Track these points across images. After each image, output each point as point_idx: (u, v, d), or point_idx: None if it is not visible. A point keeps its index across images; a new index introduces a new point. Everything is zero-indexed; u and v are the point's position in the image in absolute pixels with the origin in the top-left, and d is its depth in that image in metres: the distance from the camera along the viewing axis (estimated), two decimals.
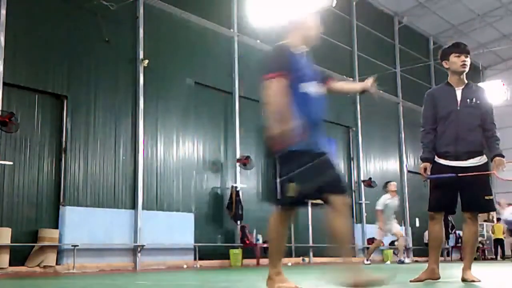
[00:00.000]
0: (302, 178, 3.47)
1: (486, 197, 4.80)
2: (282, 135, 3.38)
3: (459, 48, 4.95)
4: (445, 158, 4.79)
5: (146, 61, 11.91)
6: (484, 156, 4.86)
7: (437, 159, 4.88)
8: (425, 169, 4.90)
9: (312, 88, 3.62)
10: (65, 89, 10.69)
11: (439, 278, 4.91)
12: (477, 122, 4.85)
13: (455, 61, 4.92)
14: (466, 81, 4.99)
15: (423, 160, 4.97)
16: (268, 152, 3.65)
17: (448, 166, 4.79)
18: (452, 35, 22.79)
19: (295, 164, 3.49)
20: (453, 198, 4.86)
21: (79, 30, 11.10)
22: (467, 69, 4.96)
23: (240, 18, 14.52)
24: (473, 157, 4.79)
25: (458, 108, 4.85)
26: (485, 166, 4.85)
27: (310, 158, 3.50)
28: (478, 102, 4.88)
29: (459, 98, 4.90)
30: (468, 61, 4.95)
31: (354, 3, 19.10)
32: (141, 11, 12.13)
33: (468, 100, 4.87)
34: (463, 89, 4.93)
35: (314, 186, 3.52)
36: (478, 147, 4.85)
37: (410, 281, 4.91)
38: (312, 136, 3.53)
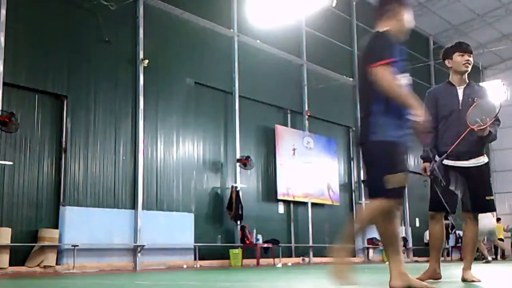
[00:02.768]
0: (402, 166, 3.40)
1: (487, 198, 4.80)
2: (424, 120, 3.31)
3: (463, 47, 4.94)
4: (446, 157, 4.78)
5: (146, 61, 11.91)
6: (485, 156, 4.86)
7: (438, 159, 4.87)
8: (425, 169, 4.90)
9: (405, 80, 3.51)
10: (65, 89, 10.69)
11: (440, 278, 4.91)
12: None
13: (458, 60, 4.91)
14: (467, 81, 4.99)
15: (424, 159, 4.97)
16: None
17: (450, 166, 4.78)
18: (452, 35, 22.80)
19: (401, 156, 3.41)
20: (454, 198, 4.85)
21: (79, 30, 11.11)
22: (469, 69, 4.95)
23: (240, 18, 14.53)
24: (474, 157, 4.79)
25: (460, 107, 4.84)
26: (486, 166, 4.85)
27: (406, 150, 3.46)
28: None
29: (460, 97, 4.89)
30: (471, 60, 4.95)
31: (354, 3, 19.11)
32: (141, 11, 12.13)
33: (469, 100, 4.86)
34: (464, 88, 4.92)
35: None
36: (480, 146, 4.85)
37: None
38: (408, 130, 3.44)
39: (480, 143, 4.85)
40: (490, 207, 4.88)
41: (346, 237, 3.45)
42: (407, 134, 3.43)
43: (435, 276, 4.89)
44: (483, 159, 4.83)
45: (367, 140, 3.44)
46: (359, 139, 3.52)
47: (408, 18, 3.75)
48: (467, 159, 4.77)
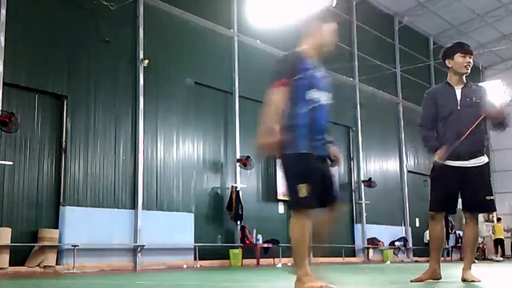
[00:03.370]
0: (310, 179, 3.52)
1: (488, 198, 4.80)
2: (275, 141, 3.53)
3: (465, 49, 4.94)
4: (447, 158, 4.78)
5: (146, 61, 11.91)
6: (485, 156, 4.85)
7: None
8: (440, 157, 4.77)
9: (318, 95, 3.68)
10: (65, 89, 10.68)
11: (440, 278, 4.91)
12: (480, 120, 4.85)
13: (460, 61, 4.90)
14: (465, 81, 4.99)
15: (433, 149, 4.86)
16: (269, 155, 3.78)
17: (450, 166, 4.78)
18: (452, 35, 22.80)
19: (300, 166, 3.56)
20: (454, 198, 4.85)
21: (79, 30, 11.10)
22: (469, 71, 4.95)
23: (240, 18, 14.52)
24: (475, 157, 4.78)
25: (459, 107, 4.84)
26: (487, 166, 4.84)
27: (314, 161, 3.59)
28: (478, 101, 4.86)
29: (459, 97, 4.88)
30: (472, 62, 4.94)
31: (354, 3, 19.10)
32: (141, 11, 12.12)
33: (468, 99, 4.86)
34: (462, 88, 4.92)
35: (318, 188, 3.56)
36: (480, 146, 4.84)
37: (411, 281, 4.91)
38: (316, 142, 3.62)
39: (480, 143, 4.85)
40: (490, 207, 4.88)
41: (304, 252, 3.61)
42: (317, 146, 3.62)
43: (435, 276, 4.89)
44: (483, 159, 4.82)
45: (283, 153, 3.60)
46: (278, 153, 3.64)
47: (326, 34, 3.86)
48: (467, 159, 4.76)
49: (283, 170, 3.64)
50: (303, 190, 3.47)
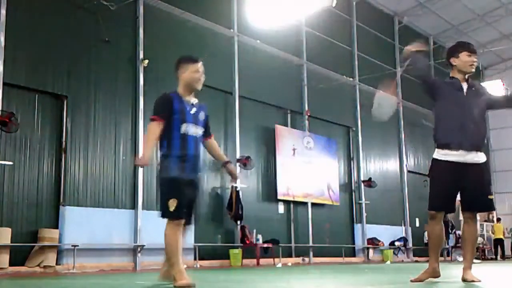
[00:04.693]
0: (179, 197, 4.37)
1: (489, 197, 4.80)
2: (146, 160, 4.45)
3: (471, 48, 4.95)
4: (449, 148, 4.74)
5: (146, 61, 11.91)
6: (484, 154, 4.85)
7: (438, 155, 4.85)
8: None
9: (189, 129, 4.48)
10: (65, 89, 10.69)
11: (439, 276, 4.91)
12: (482, 115, 4.86)
13: (466, 59, 4.89)
14: (468, 80, 5.00)
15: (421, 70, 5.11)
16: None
17: (449, 162, 4.76)
18: (452, 35, 22.80)
19: (171, 187, 4.40)
20: (454, 197, 4.85)
21: (79, 30, 11.10)
22: (474, 71, 4.96)
23: (240, 18, 14.52)
24: (476, 151, 4.75)
25: (465, 98, 4.84)
26: (485, 165, 4.84)
27: (182, 183, 4.41)
28: (482, 97, 4.89)
29: (465, 89, 4.90)
30: (476, 62, 4.96)
31: (354, 3, 19.11)
32: (141, 11, 12.12)
33: (473, 89, 4.89)
34: (467, 83, 4.94)
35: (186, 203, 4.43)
36: (481, 140, 4.83)
37: (411, 281, 4.91)
38: (186, 169, 4.43)
39: (482, 137, 4.84)
40: (490, 206, 4.88)
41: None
42: (186, 172, 4.44)
43: (435, 274, 4.89)
44: (483, 157, 4.82)
45: (159, 176, 4.50)
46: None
47: (192, 74, 4.56)
48: (469, 150, 4.72)
49: (159, 189, 4.48)
50: (173, 205, 4.32)
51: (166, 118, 4.41)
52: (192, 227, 4.73)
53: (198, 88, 4.61)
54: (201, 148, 4.67)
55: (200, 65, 4.57)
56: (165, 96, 4.56)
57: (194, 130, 4.51)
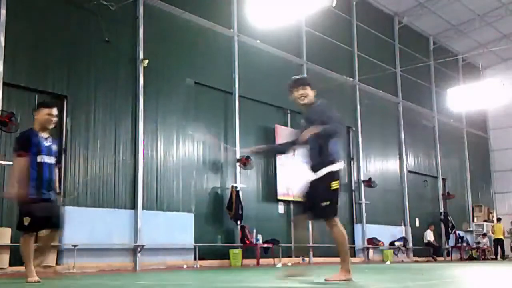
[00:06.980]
0: (32, 215, 5.58)
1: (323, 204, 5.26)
2: (19, 193, 5.58)
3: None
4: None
5: (146, 61, 11.91)
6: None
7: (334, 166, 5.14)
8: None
9: (44, 158, 5.69)
10: (65, 89, 10.69)
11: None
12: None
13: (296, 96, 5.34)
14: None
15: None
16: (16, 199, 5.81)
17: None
18: (452, 35, 22.82)
19: (28, 206, 5.57)
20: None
21: (79, 30, 11.10)
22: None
23: (240, 18, 14.52)
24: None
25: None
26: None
27: (40, 203, 5.62)
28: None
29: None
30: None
31: (354, 3, 19.10)
32: (141, 11, 12.13)
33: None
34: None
35: (42, 219, 5.64)
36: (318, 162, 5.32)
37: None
38: (43, 189, 5.65)
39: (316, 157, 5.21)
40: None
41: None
42: (43, 193, 5.68)
43: (349, 276, 5.04)
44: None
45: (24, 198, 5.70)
46: (17, 199, 5.79)
47: (44, 117, 5.76)
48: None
49: (20, 209, 5.69)
50: (27, 221, 5.57)
51: (27, 152, 5.62)
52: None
53: (49, 128, 5.81)
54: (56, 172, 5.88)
55: (54, 110, 5.76)
56: (25, 134, 5.77)
57: (48, 159, 5.73)
